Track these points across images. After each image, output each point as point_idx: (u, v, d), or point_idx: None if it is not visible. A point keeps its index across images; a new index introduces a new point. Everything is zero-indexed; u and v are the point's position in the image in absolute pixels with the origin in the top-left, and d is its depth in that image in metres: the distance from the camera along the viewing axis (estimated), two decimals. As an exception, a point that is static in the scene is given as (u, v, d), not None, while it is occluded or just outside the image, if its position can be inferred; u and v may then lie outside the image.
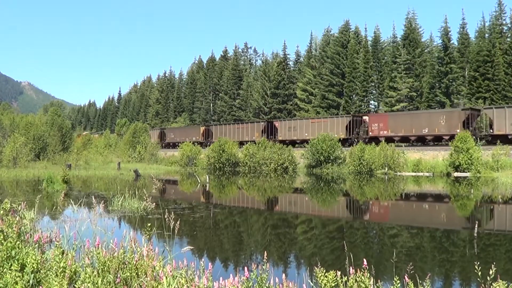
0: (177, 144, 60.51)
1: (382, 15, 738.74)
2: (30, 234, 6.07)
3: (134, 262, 4.61)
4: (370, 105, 63.24)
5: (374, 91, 62.77)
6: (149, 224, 6.15)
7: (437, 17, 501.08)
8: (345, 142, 44.26)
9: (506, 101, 46.00)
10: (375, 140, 41.76)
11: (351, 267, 4.23)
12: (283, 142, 47.41)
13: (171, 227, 6.09)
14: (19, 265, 4.19)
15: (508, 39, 51.51)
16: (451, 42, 55.90)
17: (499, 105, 42.29)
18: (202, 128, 62.14)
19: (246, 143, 47.13)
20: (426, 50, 60.42)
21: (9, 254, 4.43)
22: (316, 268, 4.11)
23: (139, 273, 4.47)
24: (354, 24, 71.19)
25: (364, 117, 45.94)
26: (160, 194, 20.53)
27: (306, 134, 47.54)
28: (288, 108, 69.60)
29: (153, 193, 17.00)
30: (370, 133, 43.51)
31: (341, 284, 4.08)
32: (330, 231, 12.78)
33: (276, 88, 70.19)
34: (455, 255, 9.28)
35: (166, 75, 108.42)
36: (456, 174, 30.89)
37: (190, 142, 52.36)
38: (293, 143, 48.53)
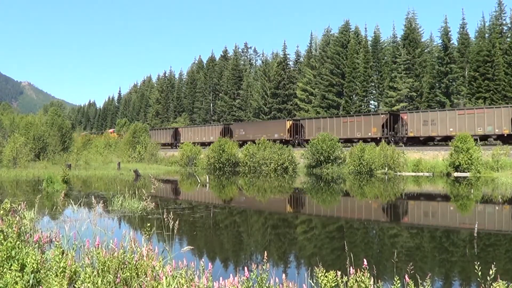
0: (248, 142, 50.48)
1: (382, 15, 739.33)
2: (30, 234, 6.08)
3: (134, 262, 4.61)
4: (370, 105, 63.26)
5: (374, 91, 62.75)
6: (149, 224, 6.15)
7: (437, 17, 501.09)
8: (380, 142, 40.64)
9: (506, 101, 45.99)
10: (415, 140, 39.86)
11: (351, 267, 4.23)
12: (307, 141, 43.35)
13: (171, 227, 6.09)
14: (19, 265, 4.19)
15: (508, 39, 51.49)
16: (451, 42, 55.88)
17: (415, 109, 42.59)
18: (288, 123, 50.63)
19: (358, 141, 40.51)
20: (426, 50, 60.40)
21: (9, 254, 4.43)
22: (316, 268, 4.11)
23: (139, 273, 4.47)
24: (354, 24, 71.22)
25: (403, 115, 42.38)
26: (175, 195, 20.53)
27: (337, 134, 43.54)
28: (288, 108, 69.60)
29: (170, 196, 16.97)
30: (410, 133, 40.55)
31: (341, 284, 4.08)
32: (330, 231, 12.78)
33: (276, 88, 70.19)
34: (455, 255, 9.28)
35: (166, 75, 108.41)
36: (456, 174, 30.88)
37: (269, 140, 45.03)
38: None
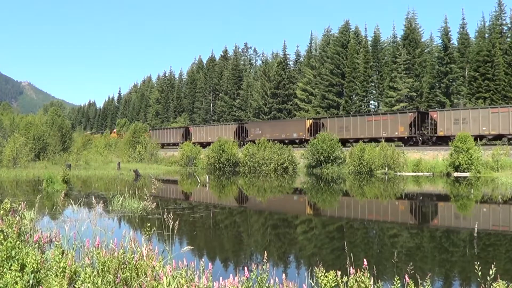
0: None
1: (382, 15, 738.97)
2: (30, 234, 6.07)
3: (134, 262, 4.61)
4: (370, 105, 63.26)
5: (374, 91, 62.75)
6: (148, 224, 6.16)
7: (437, 17, 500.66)
8: (407, 141, 40.52)
9: (506, 101, 46.01)
10: (445, 140, 38.17)
11: (351, 267, 4.23)
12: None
13: (171, 227, 6.09)
14: (19, 265, 4.19)
15: (508, 39, 51.51)
16: (451, 42, 55.89)
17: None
18: (308, 122, 48.62)
19: (384, 141, 37.98)
20: (426, 50, 60.40)
21: (9, 254, 4.43)
22: (316, 268, 4.11)
23: (139, 273, 4.47)
24: (354, 24, 71.19)
25: (432, 114, 40.47)
26: (186, 197, 20.52)
27: (361, 134, 43.01)
28: (288, 108, 69.61)
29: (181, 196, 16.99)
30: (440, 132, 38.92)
31: (341, 284, 4.08)
32: (330, 231, 12.78)
33: (276, 88, 70.19)
34: (455, 255, 9.28)
35: (166, 75, 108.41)
36: (456, 174, 30.89)
37: (288, 140, 44.35)
38: (344, 142, 42.90)
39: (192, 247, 8.73)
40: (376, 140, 42.25)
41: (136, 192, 15.20)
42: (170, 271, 4.34)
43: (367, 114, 47.24)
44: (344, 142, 42.72)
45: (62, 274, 4.21)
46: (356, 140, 42.69)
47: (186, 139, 61.39)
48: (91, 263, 4.72)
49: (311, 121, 48.66)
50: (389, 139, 40.25)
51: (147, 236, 5.77)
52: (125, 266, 4.54)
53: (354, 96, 61.25)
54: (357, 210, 17.15)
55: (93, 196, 10.05)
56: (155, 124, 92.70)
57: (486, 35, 54.95)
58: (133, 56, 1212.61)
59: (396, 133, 40.77)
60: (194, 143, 53.30)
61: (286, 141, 48.37)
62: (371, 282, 4.02)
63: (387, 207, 17.52)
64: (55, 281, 4.00)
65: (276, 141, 44.51)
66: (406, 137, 40.07)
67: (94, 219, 7.42)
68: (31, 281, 4.17)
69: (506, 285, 3.81)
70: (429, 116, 40.52)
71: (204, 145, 53.60)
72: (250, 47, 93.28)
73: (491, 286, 3.81)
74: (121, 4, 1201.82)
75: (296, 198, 21.61)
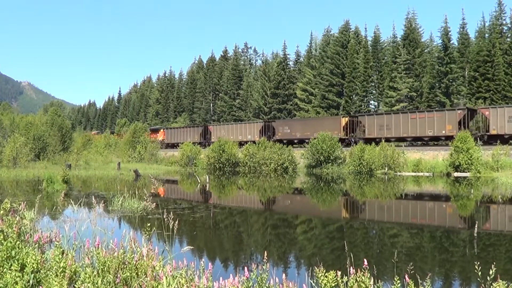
0: (295, 141, 48.94)
1: (382, 15, 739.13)
2: (30, 234, 6.07)
3: (134, 262, 4.61)
4: (370, 105, 63.24)
5: (374, 91, 62.73)
6: (149, 224, 6.16)
7: (437, 17, 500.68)
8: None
9: (506, 101, 46.00)
10: (497, 139, 35.61)
11: (351, 267, 4.23)
12: (369, 140, 41.01)
13: (171, 227, 6.09)
14: (19, 265, 4.19)
15: (508, 39, 51.49)
16: (451, 42, 55.86)
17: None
18: (344, 120, 45.84)
19: (429, 140, 36.61)
20: (426, 50, 60.37)
21: (9, 254, 4.43)
22: (316, 268, 4.11)
23: (139, 273, 4.47)
24: (354, 24, 71.18)
25: (484, 111, 37.92)
26: (204, 197, 20.50)
27: (403, 133, 40.36)
28: (288, 108, 69.61)
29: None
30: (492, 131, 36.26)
31: (341, 284, 4.07)
32: (330, 231, 12.78)
33: (276, 88, 70.19)
34: (455, 255, 9.28)
35: (166, 75, 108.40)
36: (456, 174, 30.89)
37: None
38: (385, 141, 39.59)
39: (192, 247, 8.73)
40: (420, 139, 40.32)
41: (136, 192, 15.20)
42: (170, 271, 4.34)
43: (411, 111, 43.44)
44: (386, 140, 39.17)
45: (62, 274, 4.21)
46: (399, 139, 40.77)
47: (205, 138, 59.43)
48: (91, 263, 4.72)
49: (347, 119, 45.70)
50: (435, 138, 38.31)
51: (147, 236, 5.77)
52: (125, 266, 4.54)
53: (354, 96, 61.24)
54: (406, 215, 17.14)
55: (93, 196, 10.04)
56: (155, 124, 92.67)
57: (486, 35, 54.93)
58: (133, 56, 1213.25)
59: (443, 131, 38.12)
60: (280, 140, 49.45)
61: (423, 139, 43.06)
62: (371, 282, 4.02)
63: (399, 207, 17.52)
64: (55, 281, 4.00)
65: (307, 141, 42.61)
66: (454, 136, 36.40)
67: (94, 219, 7.42)
68: (31, 281, 4.17)
69: (506, 285, 3.80)
70: (479, 114, 38.18)
71: (292, 142, 49.66)
72: (250, 47, 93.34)
73: (491, 286, 3.80)
74: (121, 4, 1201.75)
75: (341, 200, 21.59)
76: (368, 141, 40.60)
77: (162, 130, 68.89)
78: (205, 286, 4.10)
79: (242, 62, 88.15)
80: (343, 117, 46.17)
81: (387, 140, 39.42)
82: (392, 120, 41.34)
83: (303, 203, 19.77)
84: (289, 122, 52.87)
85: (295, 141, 48.98)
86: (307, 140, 43.12)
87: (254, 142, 47.81)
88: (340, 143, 39.81)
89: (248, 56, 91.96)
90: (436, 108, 45.08)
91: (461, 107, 41.88)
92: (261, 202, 19.44)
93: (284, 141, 48.16)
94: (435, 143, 40.88)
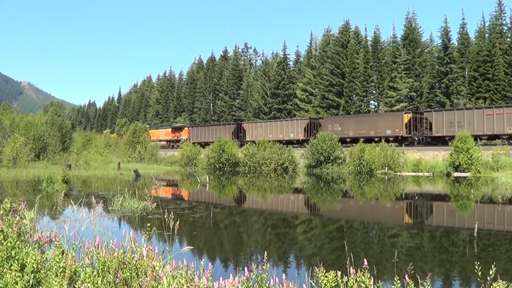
0: (347, 140, 43.75)
1: (382, 15, 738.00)
2: (30, 234, 6.07)
3: (134, 262, 4.61)
4: (370, 105, 63.23)
5: (374, 91, 62.72)
6: (149, 224, 6.15)
7: (437, 17, 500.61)
8: None
9: (506, 101, 45.97)
10: None
11: (351, 267, 4.23)
12: (437, 138, 37.99)
13: (171, 227, 6.09)
14: (19, 265, 4.19)
15: (508, 39, 51.49)
16: (451, 42, 55.86)
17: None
18: (407, 116, 41.22)
19: (509, 138, 33.30)
20: (426, 50, 60.38)
21: (9, 254, 4.43)
22: (316, 268, 4.11)
23: (139, 273, 4.47)
24: (354, 24, 71.10)
25: None
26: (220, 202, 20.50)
27: (478, 130, 36.21)
28: (288, 108, 69.62)
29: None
30: None
31: (341, 284, 4.07)
32: (330, 231, 12.78)
33: (276, 88, 70.19)
34: (455, 255, 9.28)
35: (166, 75, 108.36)
36: (456, 174, 30.88)
37: (379, 137, 38.40)
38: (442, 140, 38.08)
39: (192, 247, 8.73)
40: (497, 137, 36.82)
41: (136, 192, 15.20)
42: (170, 271, 4.34)
43: (486, 107, 38.98)
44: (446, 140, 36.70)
45: (62, 274, 4.21)
46: (474, 138, 34.80)
47: (237, 137, 54.27)
48: (91, 263, 4.72)
49: (410, 115, 41.47)
50: None
51: (147, 236, 5.76)
52: (125, 266, 4.54)
53: (354, 96, 61.24)
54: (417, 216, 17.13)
55: (93, 196, 10.04)
56: (155, 124, 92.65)
57: (486, 35, 54.93)
58: (133, 56, 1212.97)
59: (509, 129, 34.89)
60: (246, 142, 47.55)
61: (376, 139, 40.92)
62: (371, 282, 4.02)
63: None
64: (55, 281, 4.00)
65: (362, 139, 40.16)
66: None
67: (94, 219, 7.42)
68: (31, 281, 4.17)
69: (506, 285, 3.80)
70: None
71: (344, 140, 44.47)
72: (250, 47, 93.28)
73: (491, 286, 3.80)
74: (121, 4, 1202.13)
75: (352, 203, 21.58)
76: (435, 139, 37.96)
77: (186, 128, 64.00)
78: (205, 286, 4.10)
79: (242, 62, 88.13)
80: (405, 113, 42.22)
81: (452, 137, 35.20)
82: (464, 116, 37.22)
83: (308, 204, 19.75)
84: (340, 119, 48.35)
85: (347, 140, 44.02)
86: (362, 139, 40.39)
87: (298, 141, 44.50)
88: (402, 142, 37.00)
89: (248, 56, 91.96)
90: (508, 105, 39.32)
91: None
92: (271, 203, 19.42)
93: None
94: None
